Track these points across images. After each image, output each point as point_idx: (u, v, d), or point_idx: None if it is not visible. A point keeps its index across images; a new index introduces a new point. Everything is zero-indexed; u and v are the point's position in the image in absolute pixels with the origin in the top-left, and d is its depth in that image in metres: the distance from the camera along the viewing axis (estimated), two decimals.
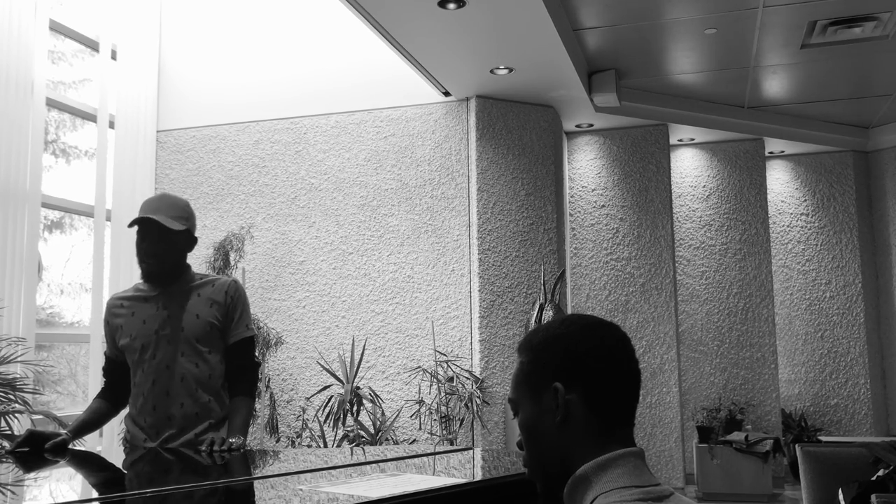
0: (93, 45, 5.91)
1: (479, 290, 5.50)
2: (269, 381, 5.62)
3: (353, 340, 5.56)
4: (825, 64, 5.77)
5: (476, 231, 5.57)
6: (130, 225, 2.52)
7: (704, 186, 7.14)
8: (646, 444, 6.27)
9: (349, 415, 5.17)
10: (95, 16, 5.93)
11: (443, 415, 5.27)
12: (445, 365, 5.41)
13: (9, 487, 1.99)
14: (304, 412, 5.63)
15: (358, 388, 5.25)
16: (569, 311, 6.05)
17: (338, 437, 5.17)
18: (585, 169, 6.72)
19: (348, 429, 5.19)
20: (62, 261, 5.87)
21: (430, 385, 5.42)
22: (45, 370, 5.11)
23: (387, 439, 5.25)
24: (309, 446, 5.31)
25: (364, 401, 5.27)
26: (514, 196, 5.69)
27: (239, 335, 2.60)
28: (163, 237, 2.50)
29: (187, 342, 2.52)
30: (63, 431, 2.48)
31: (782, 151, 7.41)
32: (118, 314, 2.60)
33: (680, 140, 7.05)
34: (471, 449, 2.58)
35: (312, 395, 5.56)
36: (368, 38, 5.23)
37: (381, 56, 5.53)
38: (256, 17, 6.20)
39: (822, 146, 7.28)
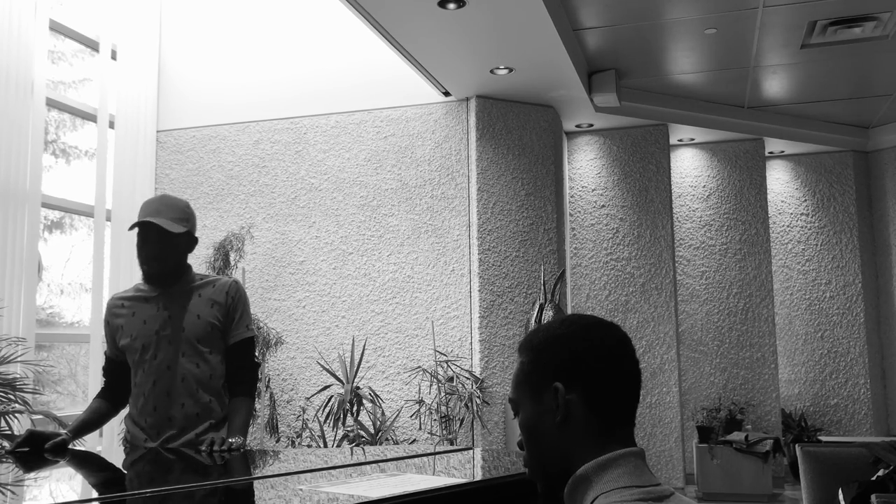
0: (93, 45, 5.91)
1: (479, 290, 5.50)
2: (269, 381, 5.62)
3: (353, 340, 5.56)
4: (825, 64, 5.77)
5: (476, 231, 5.57)
6: (131, 228, 2.53)
7: (704, 186, 7.14)
8: (646, 444, 6.27)
9: (349, 415, 5.17)
10: (95, 16, 5.93)
11: (443, 415, 5.27)
12: (445, 365, 5.41)
13: (9, 487, 1.99)
14: (304, 412, 5.63)
15: (358, 388, 5.25)
16: (569, 311, 6.05)
17: (338, 437, 5.17)
18: (585, 169, 6.72)
19: (348, 429, 5.19)
20: (62, 261, 5.87)
21: (430, 385, 5.42)
22: (45, 370, 5.11)
23: (387, 439, 5.25)
24: (309, 446, 5.31)
25: (364, 401, 5.27)
26: (514, 196, 5.69)
27: (239, 336, 2.61)
28: (163, 240, 2.50)
29: (188, 342, 2.52)
30: (63, 431, 2.48)
31: (782, 151, 7.41)
32: (119, 314, 2.60)
33: (680, 140, 7.05)
34: (471, 449, 2.58)
35: (312, 395, 5.56)
36: (368, 38, 5.23)
37: (381, 56, 5.53)
38: (256, 18, 6.21)
39: (822, 146, 7.28)
